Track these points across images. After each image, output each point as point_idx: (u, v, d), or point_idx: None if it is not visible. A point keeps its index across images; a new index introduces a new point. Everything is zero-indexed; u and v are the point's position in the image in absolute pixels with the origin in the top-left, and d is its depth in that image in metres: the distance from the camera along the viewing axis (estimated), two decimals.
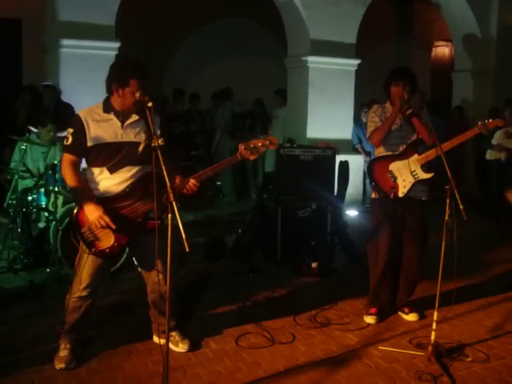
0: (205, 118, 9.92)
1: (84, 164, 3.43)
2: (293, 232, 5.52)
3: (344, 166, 6.23)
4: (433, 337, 3.54)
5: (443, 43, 13.43)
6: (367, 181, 8.09)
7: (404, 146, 4.09)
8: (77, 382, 3.17)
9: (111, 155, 3.26)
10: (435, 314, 3.54)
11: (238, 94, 9.53)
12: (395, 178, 4.05)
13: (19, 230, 4.99)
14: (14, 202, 5.08)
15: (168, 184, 2.77)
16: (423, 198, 4.13)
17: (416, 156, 4.05)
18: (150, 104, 3.05)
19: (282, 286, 4.85)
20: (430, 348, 3.52)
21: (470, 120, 9.51)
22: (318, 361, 3.52)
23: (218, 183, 9.41)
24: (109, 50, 7.14)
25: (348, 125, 8.85)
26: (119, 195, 3.28)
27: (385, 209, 4.11)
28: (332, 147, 5.82)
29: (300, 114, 8.80)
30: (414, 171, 4.03)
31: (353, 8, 8.77)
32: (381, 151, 4.17)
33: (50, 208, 5.17)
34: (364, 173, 8.44)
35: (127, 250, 4.22)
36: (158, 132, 3.23)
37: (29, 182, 5.37)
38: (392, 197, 4.03)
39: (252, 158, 3.26)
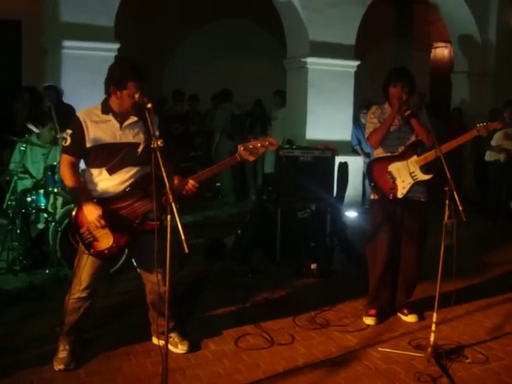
0: (204, 120, 9.93)
1: (83, 165, 3.43)
2: (292, 233, 5.51)
3: (343, 167, 6.24)
4: (432, 338, 3.54)
5: (442, 44, 13.45)
6: (367, 182, 8.09)
7: (403, 147, 4.09)
8: (76, 383, 3.17)
9: (110, 156, 3.26)
10: (434, 315, 3.54)
11: (237, 95, 9.54)
12: (394, 179, 4.05)
13: (18, 231, 4.99)
14: (14, 203, 5.07)
15: (167, 185, 2.77)
16: (422, 199, 4.13)
17: (415, 157, 4.05)
18: (149, 105, 3.05)
19: (281, 287, 4.85)
20: (429, 349, 3.52)
21: (469, 121, 9.51)
22: (317, 362, 3.51)
23: (218, 184, 9.41)
24: (108, 51, 7.15)
25: (347, 126, 8.85)
26: (118, 196, 3.28)
27: (384, 210, 4.11)
28: (331, 148, 5.83)
29: (299, 116, 8.80)
30: (413, 172, 4.03)
31: (352, 9, 8.78)
32: (379, 152, 4.17)
33: (50, 209, 5.16)
34: (363, 174, 8.45)
35: (126, 251, 4.22)
36: (157, 133, 3.23)
37: (27, 183, 5.36)
38: (391, 198, 4.03)
39: (251, 158, 3.24)
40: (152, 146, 2.88)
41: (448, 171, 3.45)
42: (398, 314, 4.29)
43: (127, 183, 3.29)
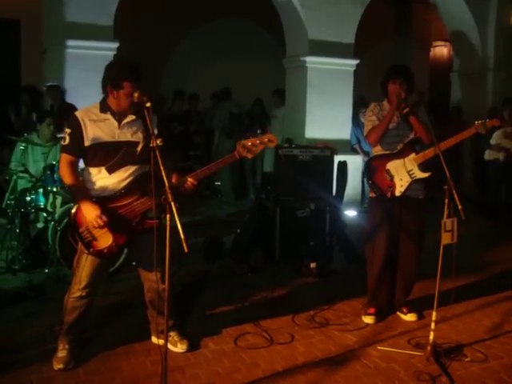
0: (203, 119, 9.93)
1: (82, 164, 3.43)
2: (291, 232, 5.51)
3: (342, 166, 6.23)
4: (431, 337, 3.54)
5: (442, 43, 13.44)
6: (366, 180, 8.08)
7: (401, 145, 4.08)
8: (75, 382, 3.17)
9: (109, 155, 3.26)
10: (434, 313, 3.53)
11: (236, 94, 9.54)
12: (392, 177, 4.04)
13: (17, 230, 4.99)
14: (13, 202, 5.07)
15: (166, 184, 2.77)
16: (420, 197, 4.12)
17: (413, 155, 4.04)
18: (148, 104, 3.04)
19: (280, 286, 4.85)
20: (428, 348, 3.52)
21: (467, 120, 9.51)
22: (316, 361, 3.51)
23: (217, 183, 9.42)
24: (107, 50, 7.15)
25: (346, 125, 8.84)
26: (117, 195, 3.28)
27: (382, 208, 4.11)
28: (330, 147, 5.82)
29: (298, 114, 8.80)
30: (411, 170, 4.02)
31: (351, 8, 8.77)
32: (378, 150, 4.17)
33: (49, 208, 5.16)
34: (363, 173, 8.45)
35: (126, 250, 4.22)
36: (156, 132, 3.23)
37: (25, 183, 5.35)
38: (389, 196, 4.03)
39: (250, 156, 3.24)
40: (151, 145, 2.88)
41: (447, 169, 3.45)
42: (397, 313, 4.29)
43: (126, 182, 3.29)
